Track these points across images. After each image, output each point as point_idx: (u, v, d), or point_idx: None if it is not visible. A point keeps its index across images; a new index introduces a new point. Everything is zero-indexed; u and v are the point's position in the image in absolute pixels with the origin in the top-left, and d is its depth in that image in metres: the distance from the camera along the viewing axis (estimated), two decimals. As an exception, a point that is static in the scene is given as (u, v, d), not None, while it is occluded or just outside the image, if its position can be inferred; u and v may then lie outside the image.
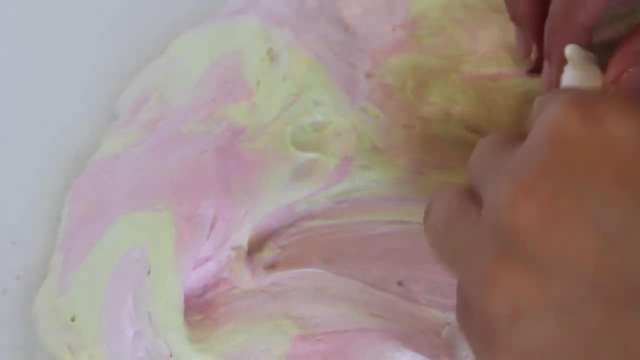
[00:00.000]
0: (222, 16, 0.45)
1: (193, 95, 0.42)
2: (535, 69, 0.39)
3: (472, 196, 0.28)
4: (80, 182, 0.41)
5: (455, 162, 0.39)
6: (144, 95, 0.43)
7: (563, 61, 0.35)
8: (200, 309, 0.36)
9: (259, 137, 0.39)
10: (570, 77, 0.34)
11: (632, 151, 0.24)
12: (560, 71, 0.35)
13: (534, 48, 0.39)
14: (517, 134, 0.28)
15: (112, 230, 0.38)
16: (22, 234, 0.42)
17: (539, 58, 0.39)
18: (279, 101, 0.40)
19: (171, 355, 0.34)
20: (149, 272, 0.36)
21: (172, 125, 0.41)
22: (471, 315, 0.26)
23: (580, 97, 0.25)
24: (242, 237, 0.37)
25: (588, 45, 0.35)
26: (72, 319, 0.36)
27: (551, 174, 0.24)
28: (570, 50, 0.34)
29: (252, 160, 0.39)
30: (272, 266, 0.37)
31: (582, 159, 0.24)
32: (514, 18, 0.39)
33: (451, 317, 0.34)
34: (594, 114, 0.25)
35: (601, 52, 0.35)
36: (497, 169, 0.26)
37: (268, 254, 0.37)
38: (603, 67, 0.34)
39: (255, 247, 0.37)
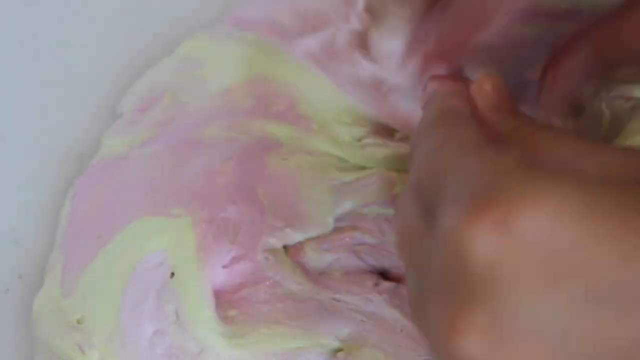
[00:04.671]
0: (242, 24, 0.44)
1: (219, 102, 0.41)
2: None
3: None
4: (83, 181, 0.41)
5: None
6: (153, 94, 0.43)
7: None
8: (234, 304, 0.35)
9: (293, 156, 0.39)
10: None
11: (553, 249, 0.23)
12: None
13: None
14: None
15: (124, 234, 0.37)
16: (24, 233, 0.42)
17: None
18: (336, 136, 0.39)
19: (201, 351, 0.34)
20: (172, 274, 0.36)
21: (189, 128, 0.40)
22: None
23: (480, 203, 0.23)
24: (277, 240, 0.37)
25: None
26: (79, 321, 0.36)
27: (479, 304, 0.23)
28: None
29: (279, 174, 0.38)
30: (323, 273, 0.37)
31: (505, 273, 0.23)
32: None
33: None
34: (502, 221, 0.23)
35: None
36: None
37: (315, 256, 0.37)
38: None
39: (293, 248, 0.37)
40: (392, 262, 0.36)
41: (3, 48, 0.46)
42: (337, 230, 0.37)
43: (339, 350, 0.34)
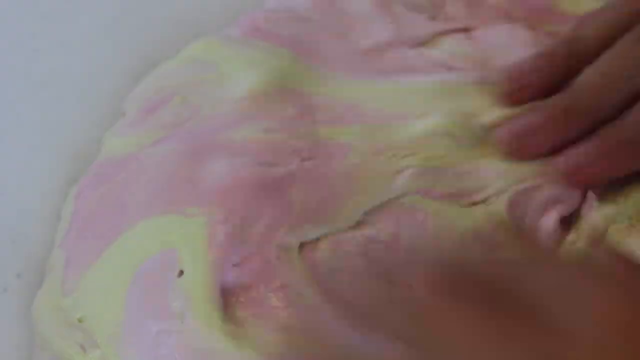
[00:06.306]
0: (255, 34, 0.43)
1: (247, 106, 0.40)
2: None
3: None
4: (87, 180, 0.41)
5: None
6: (161, 95, 0.42)
7: None
8: (243, 305, 0.35)
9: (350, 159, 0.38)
10: None
11: None
12: None
13: None
14: None
15: (132, 233, 0.37)
16: (23, 233, 0.41)
17: None
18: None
19: (207, 352, 0.34)
20: (179, 272, 0.35)
21: (212, 130, 0.39)
22: None
23: None
24: (295, 239, 0.36)
25: None
26: (80, 320, 0.36)
27: None
28: None
29: (311, 177, 0.38)
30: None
31: None
32: None
33: None
34: None
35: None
36: None
37: (328, 253, 0.36)
38: None
39: (309, 245, 0.37)
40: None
41: (3, 48, 0.46)
42: (353, 226, 0.37)
43: None
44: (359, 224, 0.37)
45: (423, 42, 0.41)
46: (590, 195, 0.37)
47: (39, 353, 0.37)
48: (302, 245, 0.36)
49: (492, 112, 0.39)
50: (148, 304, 0.35)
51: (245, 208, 0.36)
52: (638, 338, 0.24)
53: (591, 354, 0.24)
